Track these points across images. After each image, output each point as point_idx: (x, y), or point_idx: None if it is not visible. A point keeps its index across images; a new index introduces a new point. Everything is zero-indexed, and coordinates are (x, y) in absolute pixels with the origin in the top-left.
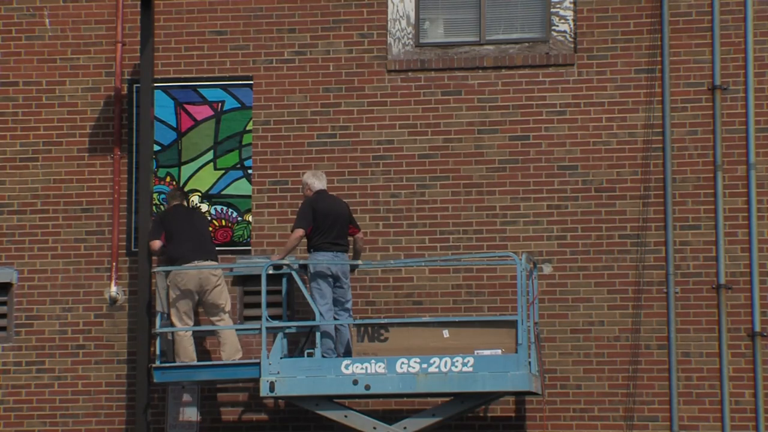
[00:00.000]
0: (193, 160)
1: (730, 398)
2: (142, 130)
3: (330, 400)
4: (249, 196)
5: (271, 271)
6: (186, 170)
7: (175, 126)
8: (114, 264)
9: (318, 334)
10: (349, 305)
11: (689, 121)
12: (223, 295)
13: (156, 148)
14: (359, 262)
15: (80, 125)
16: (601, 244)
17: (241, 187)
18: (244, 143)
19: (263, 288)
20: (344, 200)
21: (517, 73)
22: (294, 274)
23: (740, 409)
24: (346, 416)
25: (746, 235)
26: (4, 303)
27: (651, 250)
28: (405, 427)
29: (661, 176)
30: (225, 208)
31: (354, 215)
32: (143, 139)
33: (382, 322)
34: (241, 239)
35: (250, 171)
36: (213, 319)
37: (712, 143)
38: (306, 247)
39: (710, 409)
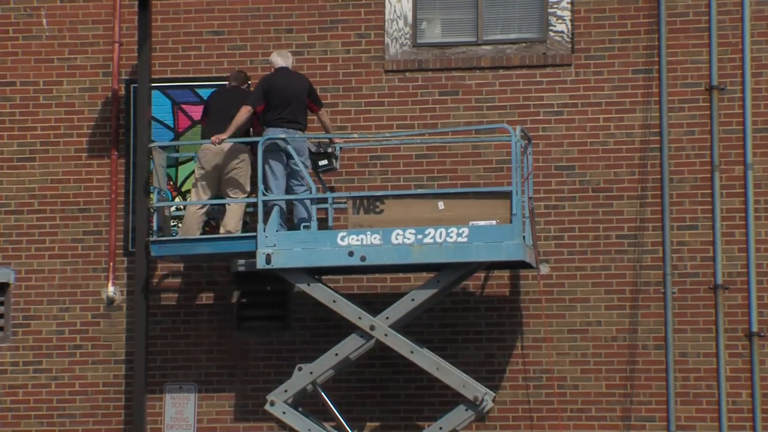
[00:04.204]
0: (190, 160)
1: (728, 398)
2: (139, 130)
3: (321, 283)
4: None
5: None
6: (183, 170)
7: (172, 126)
8: (111, 264)
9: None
10: (305, 181)
11: (686, 121)
12: (242, 177)
13: None
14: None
15: (77, 125)
16: (599, 244)
17: None
18: None
19: (259, 161)
20: (306, 78)
21: (515, 74)
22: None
23: (737, 409)
24: (334, 301)
25: (743, 236)
26: (1, 303)
27: (648, 251)
28: (387, 317)
29: (659, 176)
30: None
31: None
32: (140, 140)
33: (378, 194)
34: None
35: None
36: (228, 192)
37: (710, 143)
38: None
39: (707, 409)
